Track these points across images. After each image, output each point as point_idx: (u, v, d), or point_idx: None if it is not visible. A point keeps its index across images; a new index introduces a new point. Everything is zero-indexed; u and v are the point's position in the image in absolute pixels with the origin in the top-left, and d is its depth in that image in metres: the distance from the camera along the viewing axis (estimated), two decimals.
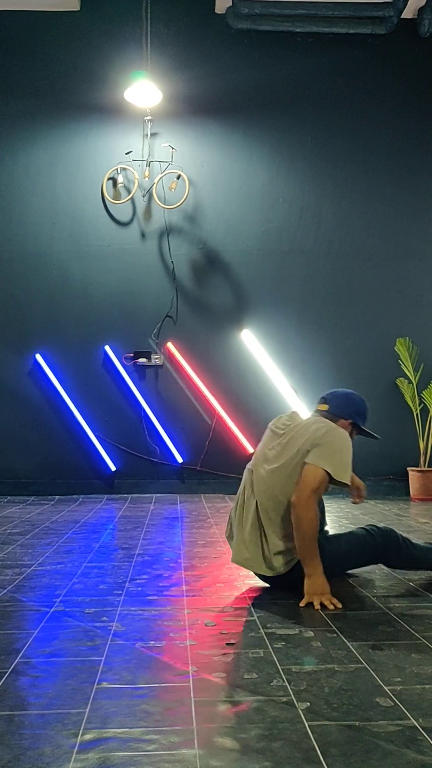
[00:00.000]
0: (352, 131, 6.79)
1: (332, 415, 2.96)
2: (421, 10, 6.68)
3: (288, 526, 2.75)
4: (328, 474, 2.67)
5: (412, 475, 6.31)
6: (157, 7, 6.53)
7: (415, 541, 3.03)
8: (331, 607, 2.54)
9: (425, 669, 1.93)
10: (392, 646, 2.12)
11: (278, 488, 2.79)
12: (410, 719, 1.61)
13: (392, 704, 1.69)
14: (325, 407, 2.99)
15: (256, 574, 2.91)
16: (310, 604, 2.57)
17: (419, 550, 2.99)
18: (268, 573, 2.82)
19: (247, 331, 6.56)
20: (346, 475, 2.72)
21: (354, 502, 3.17)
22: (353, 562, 2.98)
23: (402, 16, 6.72)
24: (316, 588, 2.63)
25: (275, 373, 6.51)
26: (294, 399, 6.44)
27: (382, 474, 6.47)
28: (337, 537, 2.96)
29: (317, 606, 2.55)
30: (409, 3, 6.54)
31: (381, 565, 3.16)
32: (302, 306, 6.64)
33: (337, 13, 6.60)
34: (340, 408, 2.97)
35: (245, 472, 3.01)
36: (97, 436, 6.44)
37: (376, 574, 3.12)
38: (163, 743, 1.50)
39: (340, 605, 2.55)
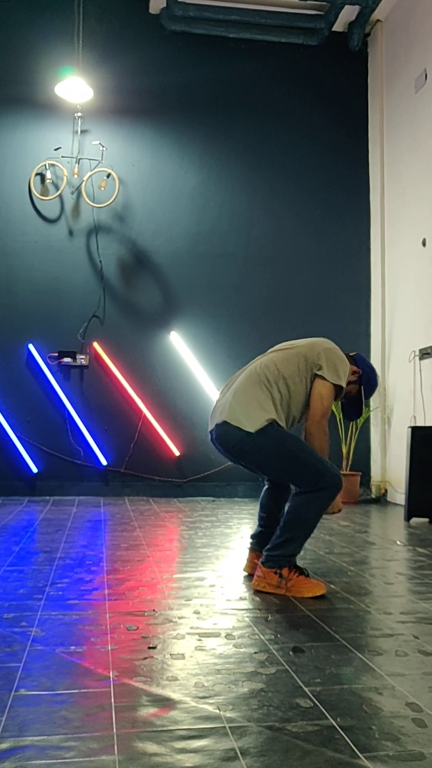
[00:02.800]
0: (282, 138, 6.89)
1: (353, 360, 3.21)
2: (351, 24, 6.84)
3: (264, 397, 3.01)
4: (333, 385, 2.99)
5: None
6: (90, 2, 6.45)
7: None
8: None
9: (344, 670, 1.97)
10: (313, 648, 2.15)
11: (278, 361, 3.06)
12: (329, 719, 1.63)
13: (312, 705, 1.72)
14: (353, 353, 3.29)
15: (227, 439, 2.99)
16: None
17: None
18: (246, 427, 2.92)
19: (175, 333, 6.55)
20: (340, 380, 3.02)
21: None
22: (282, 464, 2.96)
23: (333, 29, 6.88)
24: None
25: (202, 376, 6.53)
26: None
27: None
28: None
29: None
30: (339, 17, 6.69)
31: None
32: (231, 309, 6.68)
33: (270, 22, 6.70)
34: (362, 364, 3.23)
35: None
36: (18, 437, 6.29)
37: None
38: (82, 750, 1.47)
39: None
